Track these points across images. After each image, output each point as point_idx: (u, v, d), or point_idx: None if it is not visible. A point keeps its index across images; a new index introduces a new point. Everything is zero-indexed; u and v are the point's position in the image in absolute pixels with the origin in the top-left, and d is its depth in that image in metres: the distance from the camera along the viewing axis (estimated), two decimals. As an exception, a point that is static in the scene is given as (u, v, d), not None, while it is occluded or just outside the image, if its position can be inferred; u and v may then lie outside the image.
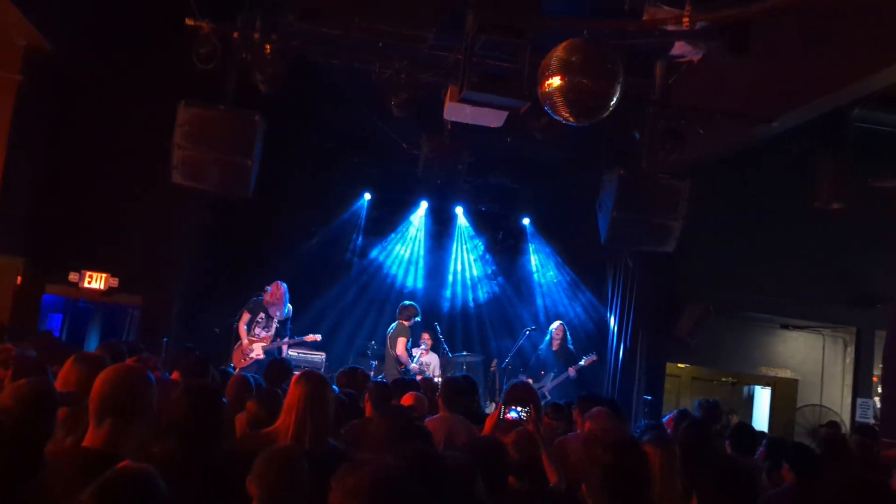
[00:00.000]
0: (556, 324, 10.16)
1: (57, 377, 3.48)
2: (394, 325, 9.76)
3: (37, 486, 2.54)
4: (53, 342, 5.81)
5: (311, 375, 3.73)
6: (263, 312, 9.18)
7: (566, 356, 9.86)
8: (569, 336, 10.05)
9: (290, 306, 9.28)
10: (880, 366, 11.28)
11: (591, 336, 11.27)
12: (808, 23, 6.52)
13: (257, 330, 9.17)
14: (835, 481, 3.75)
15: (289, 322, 9.36)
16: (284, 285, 9.21)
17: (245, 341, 9.04)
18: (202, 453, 3.00)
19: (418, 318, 9.75)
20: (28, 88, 8.50)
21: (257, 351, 8.99)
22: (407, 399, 5.05)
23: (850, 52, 6.18)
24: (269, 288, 9.19)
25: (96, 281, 9.45)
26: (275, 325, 9.21)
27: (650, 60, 7.98)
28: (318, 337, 9.44)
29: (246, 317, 9.13)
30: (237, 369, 8.42)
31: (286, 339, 9.24)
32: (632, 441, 3.03)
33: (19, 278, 9.31)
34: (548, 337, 10.01)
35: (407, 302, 9.98)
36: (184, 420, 3.05)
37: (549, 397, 9.20)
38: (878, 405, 11.22)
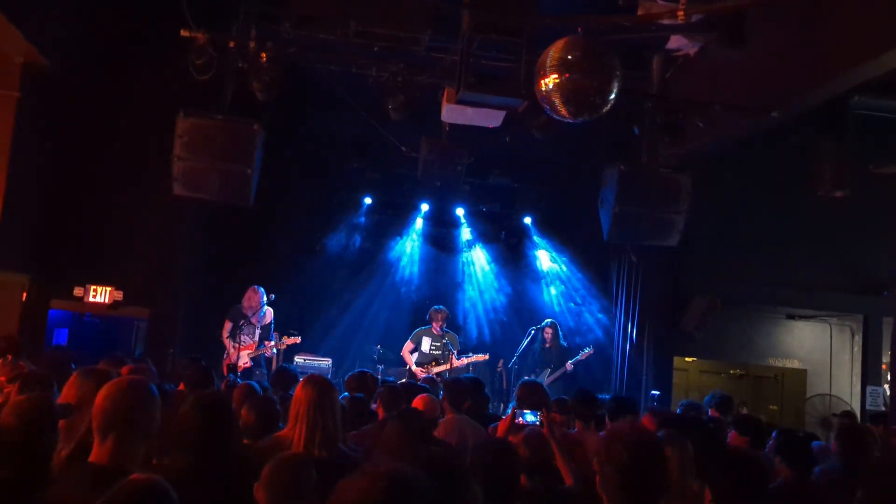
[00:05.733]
0: (546, 321, 10.33)
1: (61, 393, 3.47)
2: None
3: (44, 502, 2.54)
4: (66, 357, 5.81)
5: (317, 380, 3.71)
6: (244, 319, 9.17)
7: (560, 353, 10.00)
8: (560, 333, 10.20)
9: (268, 309, 9.27)
10: (889, 353, 11.27)
11: (596, 332, 11.26)
12: (803, 11, 6.51)
13: (243, 337, 9.15)
14: (861, 469, 3.74)
15: (272, 325, 9.34)
16: (261, 289, 9.23)
17: (231, 351, 9.02)
18: (214, 464, 2.99)
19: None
20: (27, 105, 8.50)
21: (244, 359, 8.99)
22: (417, 402, 5.01)
23: (847, 39, 6.16)
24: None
25: (101, 295, 9.45)
26: (258, 331, 9.19)
27: (646, 55, 7.98)
28: (298, 339, 9.41)
29: (227, 326, 9.14)
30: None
31: (270, 343, 9.22)
32: (650, 438, 2.99)
33: (25, 294, 9.32)
34: (539, 336, 10.09)
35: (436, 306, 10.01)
36: (195, 431, 3.04)
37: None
38: (888, 392, 11.19)
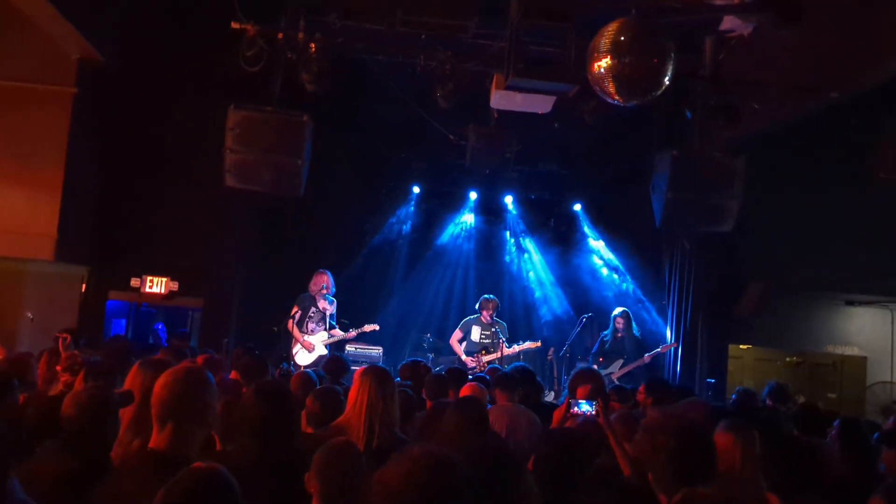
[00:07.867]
0: (618, 310, 9.79)
1: (124, 383, 3.55)
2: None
3: (106, 490, 2.59)
4: (126, 347, 5.95)
5: (376, 370, 3.74)
6: (314, 306, 9.23)
7: (633, 342, 9.53)
8: (634, 322, 9.72)
9: (332, 298, 9.29)
10: (953, 339, 10.91)
11: (650, 320, 11.11)
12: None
13: (311, 325, 9.19)
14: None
15: (334, 314, 9.35)
16: (328, 272, 9.27)
17: (301, 339, 9.07)
18: (276, 452, 3.03)
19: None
20: (83, 100, 8.72)
21: (318, 347, 9.05)
22: (465, 391, 4.91)
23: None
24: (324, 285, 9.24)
25: (157, 285, 9.67)
26: (327, 318, 9.23)
27: (699, 36, 7.81)
28: (377, 326, 9.43)
29: (296, 313, 9.09)
30: (300, 367, 8.48)
31: (346, 333, 9.25)
32: (694, 424, 2.96)
33: (84, 286, 9.57)
34: (611, 324, 9.70)
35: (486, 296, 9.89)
36: (257, 420, 3.08)
37: (616, 384, 9.04)
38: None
